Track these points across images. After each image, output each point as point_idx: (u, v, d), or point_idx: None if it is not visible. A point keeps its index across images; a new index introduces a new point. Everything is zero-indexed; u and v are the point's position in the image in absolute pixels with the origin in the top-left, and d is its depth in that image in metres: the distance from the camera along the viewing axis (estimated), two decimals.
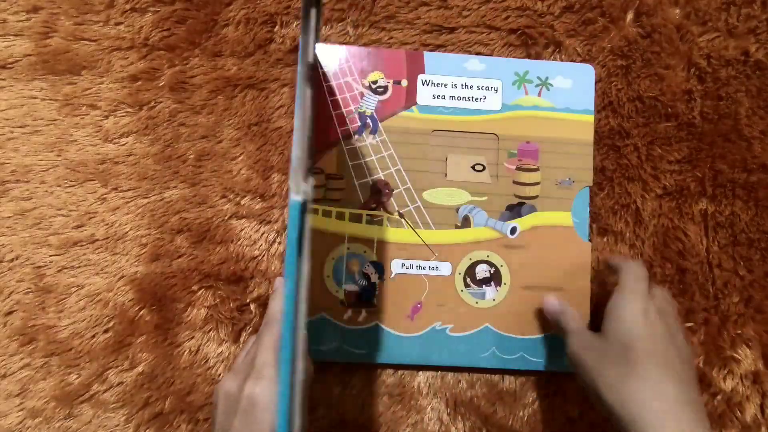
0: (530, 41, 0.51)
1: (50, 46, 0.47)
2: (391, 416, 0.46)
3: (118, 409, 0.44)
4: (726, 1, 0.52)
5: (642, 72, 0.51)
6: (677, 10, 0.51)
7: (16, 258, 0.45)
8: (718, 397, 0.46)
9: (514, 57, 0.50)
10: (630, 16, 0.51)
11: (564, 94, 0.49)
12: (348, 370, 0.46)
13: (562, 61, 0.49)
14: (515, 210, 0.47)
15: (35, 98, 0.46)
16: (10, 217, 0.45)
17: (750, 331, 0.48)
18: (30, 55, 0.46)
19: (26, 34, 0.47)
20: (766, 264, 0.49)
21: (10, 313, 0.44)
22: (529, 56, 0.50)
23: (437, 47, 0.51)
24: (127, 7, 0.47)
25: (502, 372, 0.46)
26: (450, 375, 0.47)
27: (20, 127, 0.46)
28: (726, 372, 0.47)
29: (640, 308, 0.35)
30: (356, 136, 0.47)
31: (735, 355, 0.47)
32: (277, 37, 0.48)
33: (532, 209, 0.47)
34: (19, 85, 0.46)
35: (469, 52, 0.51)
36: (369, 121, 0.48)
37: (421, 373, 0.47)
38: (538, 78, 0.49)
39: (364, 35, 0.50)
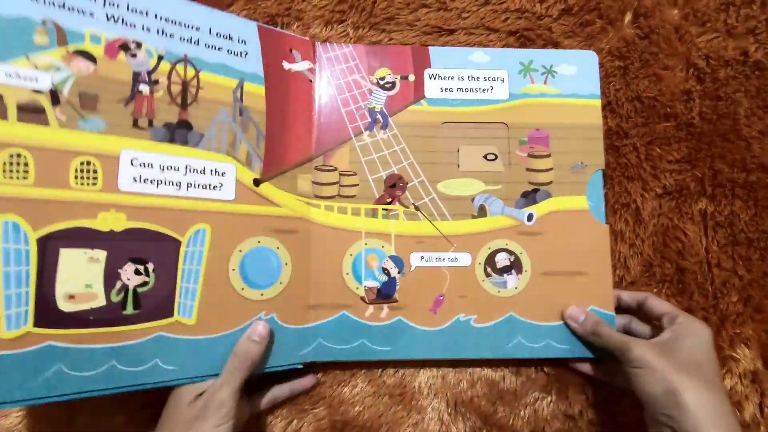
0: (529, 43, 0.51)
1: None
2: (391, 416, 0.46)
3: (119, 409, 0.43)
4: (725, 1, 0.52)
5: (640, 73, 0.51)
6: (676, 11, 0.51)
7: None
8: None
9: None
10: (628, 17, 0.51)
11: (569, 80, 0.49)
12: (348, 370, 0.47)
13: None
14: (530, 197, 0.47)
15: None
16: None
17: (749, 330, 0.47)
18: None
19: None
20: (765, 263, 0.49)
21: None
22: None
23: None
24: None
25: (527, 363, 0.46)
26: (451, 375, 0.47)
27: None
28: (725, 371, 0.47)
29: (710, 335, 0.39)
30: (367, 132, 0.49)
31: (734, 354, 0.47)
32: None
33: (547, 195, 0.47)
34: None
35: None
36: (379, 116, 0.49)
37: (421, 372, 0.47)
38: (543, 66, 0.49)
39: (364, 37, 0.51)
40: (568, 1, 0.52)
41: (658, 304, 0.42)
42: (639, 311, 0.45)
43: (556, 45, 0.51)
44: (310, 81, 0.48)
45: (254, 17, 0.48)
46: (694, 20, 0.51)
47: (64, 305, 0.34)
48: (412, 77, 0.49)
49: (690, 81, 0.51)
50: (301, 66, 0.48)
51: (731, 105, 0.50)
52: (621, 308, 0.46)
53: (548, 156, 0.48)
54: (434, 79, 0.49)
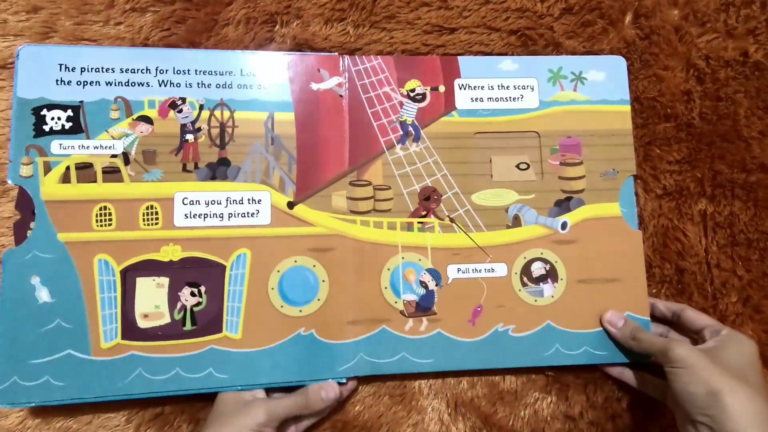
0: (530, 42, 0.50)
1: None
2: (392, 416, 0.45)
3: (119, 409, 0.44)
4: (725, 2, 0.52)
5: (640, 73, 0.51)
6: (676, 12, 0.51)
7: None
8: None
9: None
10: (629, 17, 0.51)
11: (598, 86, 0.49)
12: None
13: None
14: (564, 205, 0.47)
15: None
16: (10, 217, 0.45)
17: (748, 330, 0.48)
18: None
19: (26, 34, 0.46)
20: (764, 264, 0.49)
21: None
22: (529, 56, 0.50)
23: (437, 47, 0.49)
24: (127, 7, 0.48)
25: (564, 369, 0.46)
26: (451, 375, 0.46)
27: None
28: None
29: (756, 347, 0.39)
30: (399, 145, 0.48)
31: None
32: (277, 36, 0.50)
33: (581, 203, 0.47)
34: None
35: (470, 53, 0.50)
36: (411, 129, 0.48)
37: None
38: (572, 73, 0.49)
39: (364, 35, 0.49)
40: (569, 1, 0.51)
41: (696, 317, 0.43)
42: (675, 322, 0.45)
43: (557, 45, 0.51)
44: (341, 96, 0.48)
45: (254, 15, 0.49)
46: (694, 21, 0.51)
47: (141, 323, 0.43)
48: (442, 88, 0.48)
49: (690, 81, 0.51)
50: (329, 83, 0.48)
51: (731, 105, 0.51)
52: (655, 317, 0.46)
53: (580, 163, 0.48)
54: (464, 89, 0.48)
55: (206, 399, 0.44)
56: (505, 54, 0.50)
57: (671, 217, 0.49)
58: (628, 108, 0.49)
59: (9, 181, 0.43)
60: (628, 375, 0.46)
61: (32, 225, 0.42)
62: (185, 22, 0.48)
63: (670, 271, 0.48)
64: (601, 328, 0.45)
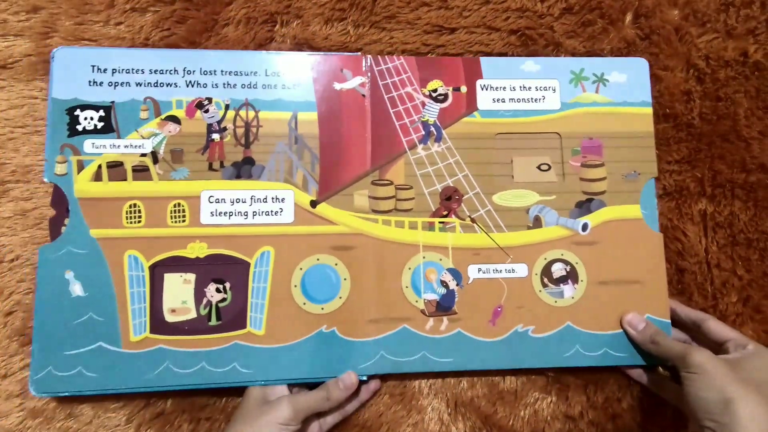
0: (530, 42, 0.50)
1: (50, 46, 0.46)
2: (392, 416, 0.45)
3: (119, 409, 0.44)
4: (725, 2, 0.52)
5: None
6: (676, 12, 0.51)
7: (17, 258, 0.45)
8: None
9: (514, 56, 0.50)
10: (629, 17, 0.51)
11: (620, 88, 0.49)
12: None
13: None
14: (584, 206, 0.47)
15: (35, 98, 0.46)
16: (10, 217, 0.45)
17: (748, 330, 0.48)
18: (30, 55, 0.46)
19: (26, 34, 0.46)
20: (764, 264, 0.49)
21: (10, 313, 0.44)
22: (529, 56, 0.50)
23: (437, 47, 0.49)
24: (128, 7, 0.48)
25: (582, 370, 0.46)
26: (451, 375, 0.46)
27: (21, 127, 0.46)
28: None
29: None
30: (421, 145, 0.48)
31: None
32: (277, 36, 0.50)
33: (602, 204, 0.47)
34: (20, 85, 0.46)
35: (470, 53, 0.50)
36: (433, 129, 0.48)
37: None
38: (594, 74, 0.49)
39: (364, 35, 0.49)
40: (569, 0, 0.51)
41: (720, 329, 0.42)
42: (694, 330, 0.44)
43: (557, 45, 0.50)
44: (363, 96, 0.48)
45: (254, 15, 0.50)
46: (694, 21, 0.51)
47: (169, 317, 0.44)
48: (464, 89, 0.48)
49: (690, 81, 0.51)
50: (352, 83, 0.48)
51: (731, 105, 0.50)
52: (674, 322, 0.46)
53: (602, 165, 0.48)
54: (486, 90, 0.48)
55: (205, 398, 0.45)
56: (505, 54, 0.50)
57: (671, 216, 0.49)
58: (650, 110, 0.49)
59: (44, 179, 0.44)
60: (647, 378, 0.46)
61: (66, 221, 0.44)
62: (185, 22, 0.49)
63: (670, 271, 0.48)
64: (620, 330, 0.45)
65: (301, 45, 0.50)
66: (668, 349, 0.41)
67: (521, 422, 0.46)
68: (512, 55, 0.50)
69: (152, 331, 0.44)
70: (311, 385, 0.44)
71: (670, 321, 0.46)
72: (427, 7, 0.50)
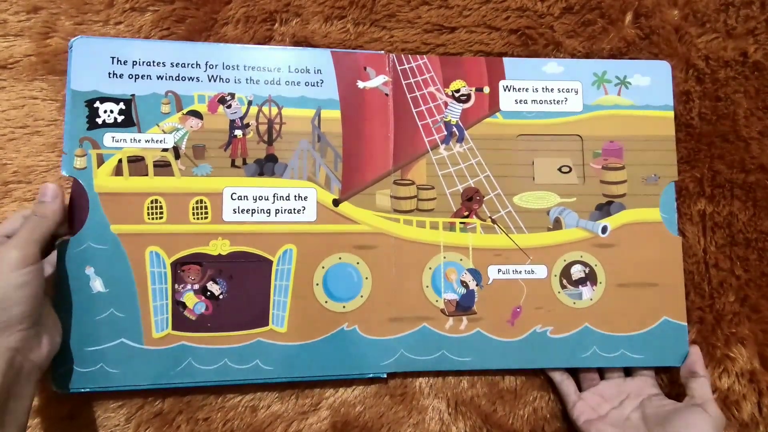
0: (530, 42, 0.50)
1: (50, 46, 0.46)
2: (392, 416, 0.46)
3: (118, 409, 0.44)
4: (725, 2, 0.52)
5: None
6: (676, 12, 0.51)
7: None
8: (714, 396, 0.46)
9: (515, 56, 0.50)
10: (629, 17, 0.51)
11: (643, 91, 0.49)
12: None
13: None
14: (605, 209, 0.48)
15: (36, 98, 0.46)
16: None
17: (745, 330, 0.48)
18: (30, 55, 0.46)
19: (26, 34, 0.46)
20: (763, 264, 0.49)
21: None
22: (528, 56, 0.50)
23: (437, 46, 0.49)
24: (127, 6, 0.48)
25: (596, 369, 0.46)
26: (451, 375, 0.47)
27: (21, 127, 0.46)
28: (721, 370, 0.47)
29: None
30: (443, 146, 0.48)
31: (729, 353, 0.48)
32: (276, 34, 0.50)
33: (622, 207, 0.48)
34: (20, 85, 0.46)
35: (470, 52, 0.50)
36: (455, 129, 0.48)
37: None
38: (617, 77, 0.49)
39: (364, 33, 0.49)
40: (569, 0, 0.51)
41: (699, 389, 0.43)
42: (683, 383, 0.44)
43: (557, 44, 0.50)
44: (386, 95, 0.48)
45: (253, 14, 0.49)
46: (694, 21, 0.51)
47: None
48: (486, 89, 0.49)
49: (689, 81, 0.51)
50: (375, 82, 0.48)
51: (730, 106, 0.50)
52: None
53: (622, 168, 0.48)
54: (509, 90, 0.48)
55: (206, 397, 0.45)
56: (505, 54, 0.50)
57: None
58: (671, 114, 0.49)
59: (63, 173, 0.43)
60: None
61: (86, 217, 0.43)
62: (185, 21, 0.48)
63: None
64: (638, 332, 0.46)
65: (300, 43, 0.50)
66: (689, 389, 0.43)
67: (521, 421, 0.47)
68: (512, 55, 0.50)
69: (174, 328, 0.44)
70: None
71: (686, 324, 0.47)
72: (427, 6, 0.50)
